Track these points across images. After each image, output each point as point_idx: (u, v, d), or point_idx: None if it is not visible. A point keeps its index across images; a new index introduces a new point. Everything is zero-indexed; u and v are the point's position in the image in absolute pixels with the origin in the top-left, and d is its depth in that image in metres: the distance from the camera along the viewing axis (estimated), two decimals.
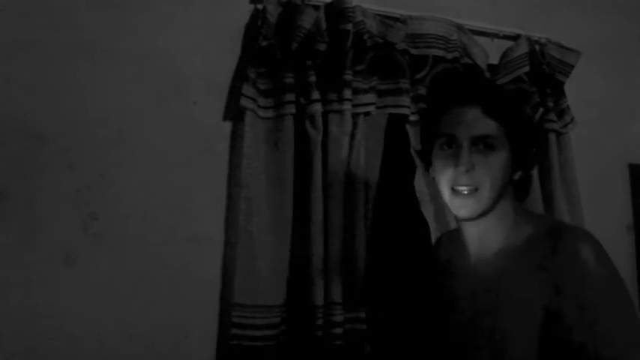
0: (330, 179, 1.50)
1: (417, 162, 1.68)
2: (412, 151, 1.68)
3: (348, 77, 1.53)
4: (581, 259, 0.90)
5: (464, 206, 1.01)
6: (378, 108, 1.62)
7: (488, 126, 1.00)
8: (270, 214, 1.46)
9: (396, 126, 1.70)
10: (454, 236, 1.19)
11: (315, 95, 1.50)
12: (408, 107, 1.63)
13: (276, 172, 1.48)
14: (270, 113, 1.51)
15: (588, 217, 1.87)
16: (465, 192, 1.00)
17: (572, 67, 1.88)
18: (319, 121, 1.50)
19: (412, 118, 1.65)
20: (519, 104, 1.19)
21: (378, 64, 1.63)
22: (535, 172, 1.84)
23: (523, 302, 0.95)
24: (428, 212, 1.70)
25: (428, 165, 1.11)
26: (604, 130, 2.07)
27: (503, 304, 0.99)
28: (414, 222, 1.73)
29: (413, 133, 1.67)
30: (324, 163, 1.51)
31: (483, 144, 1.00)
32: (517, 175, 1.06)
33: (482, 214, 1.02)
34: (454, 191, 1.01)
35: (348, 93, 1.53)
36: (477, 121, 1.01)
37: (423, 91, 1.66)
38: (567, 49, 1.88)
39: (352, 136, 1.55)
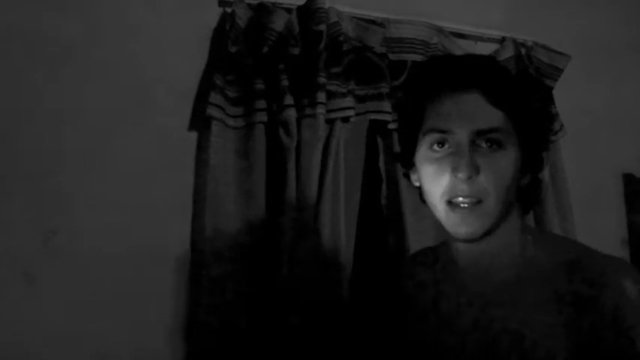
0: (301, 189, 1.54)
1: (384, 175, 1.77)
2: (381, 164, 1.77)
3: (322, 80, 1.59)
4: (627, 295, 0.87)
5: (464, 224, 0.92)
6: (358, 114, 1.69)
7: (493, 117, 0.92)
8: (240, 226, 1.51)
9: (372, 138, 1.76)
10: (435, 260, 1.12)
11: (289, 100, 1.55)
12: (390, 113, 1.70)
13: (246, 185, 1.53)
14: (239, 122, 1.57)
15: (581, 230, 1.96)
16: (466, 205, 0.92)
17: (561, 71, 1.97)
18: (293, 127, 1.54)
19: (391, 126, 1.72)
20: (528, 89, 1.15)
21: (357, 68, 1.69)
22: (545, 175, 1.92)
23: (546, 351, 0.91)
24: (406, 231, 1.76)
25: (408, 169, 1.05)
26: (596, 138, 2.17)
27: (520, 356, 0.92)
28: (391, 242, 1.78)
29: (382, 145, 1.77)
30: (298, 172, 1.56)
31: (487, 141, 0.92)
32: (525, 180, 1.00)
33: (487, 233, 0.94)
34: (451, 204, 0.93)
35: (321, 96, 1.58)
36: (479, 111, 0.93)
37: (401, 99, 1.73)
38: (556, 52, 1.97)
39: (327, 143, 1.61)
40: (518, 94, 0.99)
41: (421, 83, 1.02)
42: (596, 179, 2.17)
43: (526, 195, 1.02)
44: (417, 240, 1.72)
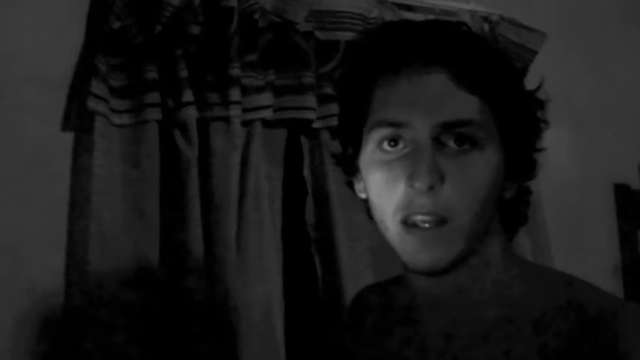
0: (215, 214, 1.73)
1: (310, 186, 1.97)
2: (306, 173, 1.97)
3: (235, 72, 1.77)
4: None
5: (425, 250, 0.94)
6: (275, 111, 1.88)
7: (465, 105, 0.94)
8: (130, 257, 1.69)
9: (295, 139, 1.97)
10: (388, 302, 1.18)
11: (188, 96, 1.73)
12: (313, 109, 1.90)
13: (136, 200, 1.71)
14: (126, 119, 1.74)
15: (562, 257, 2.19)
16: (427, 225, 0.93)
17: (535, 53, 2.20)
18: (193, 131, 1.73)
19: (317, 124, 1.92)
20: (514, 67, 1.06)
21: (275, 51, 1.87)
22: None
23: None
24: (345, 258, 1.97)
25: (352, 176, 1.09)
26: (580, 139, 2.42)
27: None
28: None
29: (307, 148, 1.96)
30: (205, 189, 1.75)
31: (457, 138, 0.94)
32: (510, 191, 1.03)
33: (456, 264, 0.96)
34: (407, 225, 0.94)
35: (235, 94, 1.77)
36: (446, 97, 0.94)
37: (330, 89, 1.92)
38: (527, 28, 2.21)
39: (245, 153, 1.80)
40: (500, 73, 0.99)
41: (365, 59, 1.03)
42: (581, 191, 2.43)
43: (511, 211, 1.06)
44: (354, 272, 1.96)
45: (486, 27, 2.21)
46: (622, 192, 2.51)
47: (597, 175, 2.48)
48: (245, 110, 1.83)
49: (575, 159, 2.44)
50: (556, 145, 2.13)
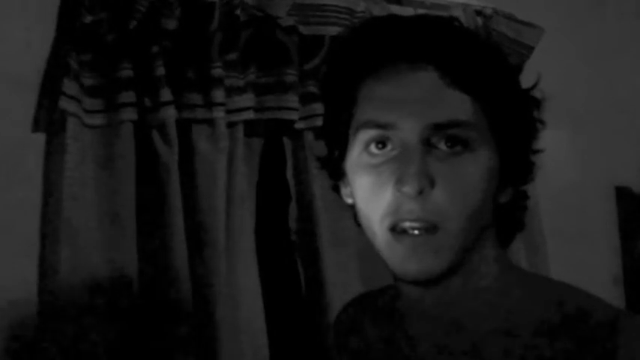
0: (201, 220, 1.81)
1: (293, 190, 2.03)
2: (289, 176, 2.03)
3: (218, 72, 1.84)
4: None
5: (415, 259, 0.96)
6: (256, 111, 1.94)
7: (456, 105, 0.96)
8: (104, 263, 1.75)
9: (277, 140, 2.04)
10: (377, 314, 1.20)
11: (166, 95, 1.80)
12: (296, 110, 1.96)
13: (111, 204, 1.78)
14: (98, 119, 1.80)
15: (559, 266, 2.24)
16: (416, 232, 0.94)
17: (531, 49, 2.27)
18: (173, 132, 1.79)
19: (300, 125, 1.99)
20: (508, 64, 1.08)
21: (256, 48, 1.94)
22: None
23: None
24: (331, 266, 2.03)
25: (338, 180, 1.11)
26: (578, 140, 2.47)
27: None
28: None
29: (290, 150, 2.02)
30: (189, 195, 1.81)
31: (448, 140, 0.95)
32: (505, 196, 1.05)
33: (448, 273, 0.98)
34: (395, 232, 0.96)
35: (219, 95, 1.84)
36: (436, 97, 0.96)
37: (314, 88, 1.99)
38: (523, 23, 2.28)
39: (231, 157, 1.87)
40: (494, 71, 1.00)
41: (350, 56, 1.04)
42: (580, 195, 2.49)
43: (507, 217, 1.07)
44: (339, 282, 2.03)
45: (480, 21, 2.26)
46: (624, 195, 2.55)
47: (597, 178, 2.53)
48: (228, 112, 1.90)
49: (573, 161, 2.49)
50: (554, 147, 2.07)
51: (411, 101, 0.96)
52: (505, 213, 1.06)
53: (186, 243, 1.82)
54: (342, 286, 2.04)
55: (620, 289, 2.54)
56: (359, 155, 1.01)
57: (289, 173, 2.06)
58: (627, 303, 2.51)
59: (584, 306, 0.98)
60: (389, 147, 0.97)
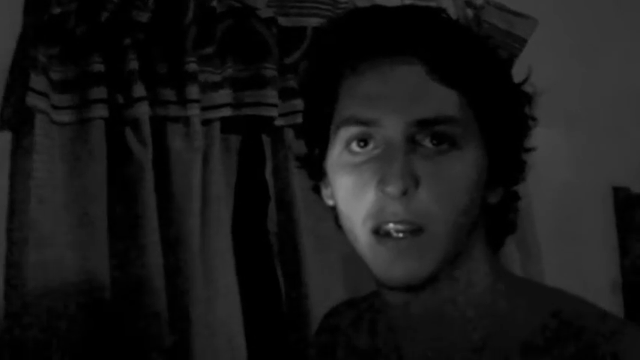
0: (176, 223, 1.86)
1: (272, 190, 2.08)
2: (268, 176, 2.08)
3: (192, 67, 1.88)
4: None
5: (399, 263, 0.98)
6: (233, 108, 2.00)
7: (442, 100, 0.98)
8: (74, 268, 1.79)
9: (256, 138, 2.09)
10: (360, 321, 1.24)
11: (139, 91, 1.83)
12: (275, 106, 2.01)
13: (81, 206, 1.82)
14: (67, 116, 1.84)
15: (554, 272, 2.28)
16: (400, 235, 0.97)
17: (524, 41, 2.32)
18: (147, 130, 1.84)
19: (280, 122, 2.04)
20: (498, 57, 1.11)
21: (233, 41, 1.98)
22: None
23: None
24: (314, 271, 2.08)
25: (319, 181, 1.14)
26: (574, 138, 2.53)
27: None
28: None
29: (269, 149, 2.06)
30: (163, 196, 1.86)
31: (434, 137, 0.98)
32: (495, 197, 1.08)
33: (433, 278, 1.00)
34: (378, 235, 0.98)
35: (194, 91, 1.89)
36: (421, 91, 0.98)
37: (295, 82, 2.02)
38: (516, 14, 2.33)
39: (206, 156, 1.92)
40: (482, 64, 1.03)
41: (331, 49, 1.06)
42: (576, 196, 2.53)
43: (497, 219, 1.10)
44: (322, 287, 2.08)
45: (470, 12, 2.31)
46: (621, 196, 2.59)
47: (594, 178, 2.57)
48: (204, 109, 1.95)
49: (569, 159, 2.54)
50: (548, 145, 2.08)
51: (394, 96, 0.98)
52: (495, 214, 1.09)
53: (161, 245, 1.86)
54: (324, 292, 2.08)
55: (618, 295, 2.58)
56: (340, 154, 1.03)
57: (268, 172, 2.10)
58: (626, 310, 2.55)
59: (580, 314, 1.01)
60: (371, 145, 1.00)
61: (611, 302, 2.53)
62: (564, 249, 2.45)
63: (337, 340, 1.29)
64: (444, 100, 0.98)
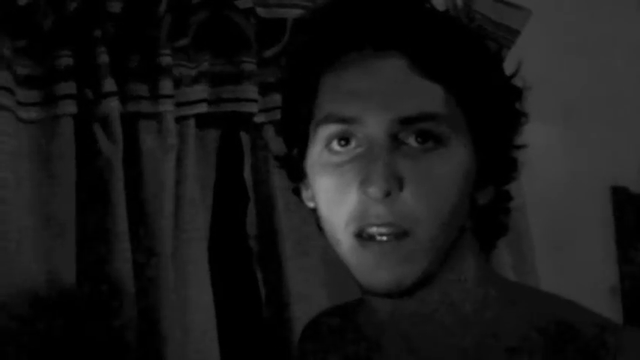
0: (147, 227, 1.88)
1: (251, 191, 2.11)
2: (247, 175, 2.11)
3: (166, 60, 1.90)
4: None
5: (383, 268, 0.99)
6: (210, 104, 2.03)
7: (427, 96, 1.00)
8: (40, 276, 1.81)
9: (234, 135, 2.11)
10: (345, 329, 1.27)
11: (110, 86, 1.85)
12: (255, 101, 2.04)
13: (48, 208, 1.84)
14: (34, 113, 1.85)
15: (549, 276, 2.34)
16: (384, 238, 0.99)
17: (517, 32, 2.35)
18: (117, 127, 1.86)
19: (259, 118, 2.07)
20: (487, 50, 1.12)
21: (210, 33, 2.00)
22: None
23: None
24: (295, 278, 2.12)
25: (299, 182, 1.17)
26: (575, 141, 2.58)
27: None
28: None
29: (248, 147, 2.09)
30: (134, 197, 1.88)
31: (419, 135, 1.00)
32: (485, 197, 1.10)
33: (419, 284, 1.02)
34: (361, 238, 1.01)
35: (167, 86, 1.91)
36: (405, 87, 1.00)
37: (274, 77, 2.05)
38: (508, 4, 2.35)
39: (180, 155, 1.94)
40: (470, 57, 1.04)
41: (310, 42, 1.09)
42: (572, 196, 2.57)
43: (488, 221, 1.12)
44: (304, 293, 2.12)
45: (460, 2, 2.31)
46: (620, 196, 2.64)
47: (591, 177, 2.61)
48: (178, 105, 1.97)
49: (564, 157, 2.58)
50: (542, 142, 2.22)
51: (376, 92, 1.00)
52: (485, 216, 1.11)
53: (131, 251, 1.89)
54: (306, 298, 2.11)
55: (617, 301, 2.62)
56: (320, 153, 1.05)
57: (247, 172, 2.13)
58: (625, 316, 2.60)
59: (576, 320, 1.03)
60: (353, 144, 1.02)
61: (609, 308, 2.56)
62: (559, 252, 2.49)
63: (321, 349, 1.31)
64: (429, 96, 1.00)
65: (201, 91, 2.02)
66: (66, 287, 1.85)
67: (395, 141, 0.99)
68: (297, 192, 1.19)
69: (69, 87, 1.86)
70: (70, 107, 1.87)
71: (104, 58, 1.88)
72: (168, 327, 1.92)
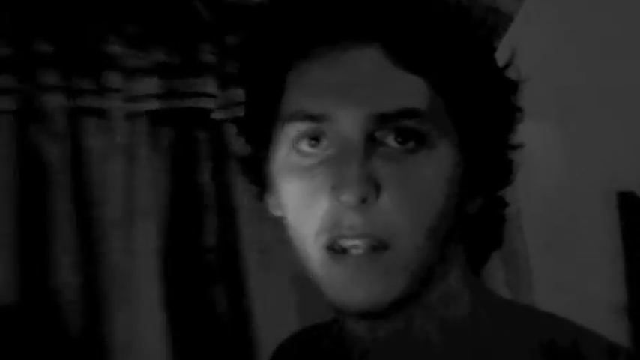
0: (96, 235, 1.94)
1: (210, 198, 2.15)
2: (204, 178, 2.15)
3: (113, 49, 1.97)
4: None
5: (357, 284, 1.00)
6: (162, 99, 2.09)
7: (407, 89, 1.01)
8: None
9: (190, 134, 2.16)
10: (318, 351, 1.30)
11: (52, 79, 1.92)
12: (214, 96, 2.10)
13: None
14: None
15: (546, 293, 2.39)
16: (360, 251, 1.00)
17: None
18: (60, 124, 1.92)
19: (218, 115, 2.13)
20: (476, 37, 1.11)
21: (163, 20, 2.06)
22: None
23: None
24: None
25: (262, 189, 1.18)
26: (578, 143, 2.66)
27: None
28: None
29: (206, 147, 2.13)
30: (80, 203, 1.95)
31: (399, 134, 1.01)
32: (475, 205, 1.12)
33: (400, 303, 1.03)
34: (333, 251, 1.01)
35: (115, 79, 1.98)
36: (382, 80, 1.01)
37: (236, 69, 1.98)
38: None
39: (130, 156, 2.00)
40: (455, 46, 1.05)
41: (277, 31, 1.09)
42: (574, 203, 2.68)
43: (478, 231, 1.15)
44: (270, 312, 2.18)
45: None
46: (627, 203, 2.70)
47: (595, 182, 2.69)
48: (127, 100, 2.04)
49: (565, 159, 2.67)
50: (540, 142, 2.36)
51: (350, 86, 1.01)
52: (476, 226, 1.14)
53: (76, 262, 1.96)
54: (272, 316, 2.16)
55: (623, 320, 2.69)
56: (287, 155, 1.07)
57: (205, 176, 2.19)
58: (633, 338, 2.65)
59: (577, 345, 1.05)
60: (324, 144, 1.03)
61: (614, 328, 2.60)
62: (559, 265, 2.56)
63: None
64: (409, 90, 1.01)
65: (152, 84, 2.07)
66: (3, 301, 1.92)
67: (371, 141, 1.00)
68: (261, 198, 1.20)
69: (7, 80, 1.92)
70: (8, 103, 1.94)
71: (45, 47, 1.93)
72: (115, 343, 1.99)
